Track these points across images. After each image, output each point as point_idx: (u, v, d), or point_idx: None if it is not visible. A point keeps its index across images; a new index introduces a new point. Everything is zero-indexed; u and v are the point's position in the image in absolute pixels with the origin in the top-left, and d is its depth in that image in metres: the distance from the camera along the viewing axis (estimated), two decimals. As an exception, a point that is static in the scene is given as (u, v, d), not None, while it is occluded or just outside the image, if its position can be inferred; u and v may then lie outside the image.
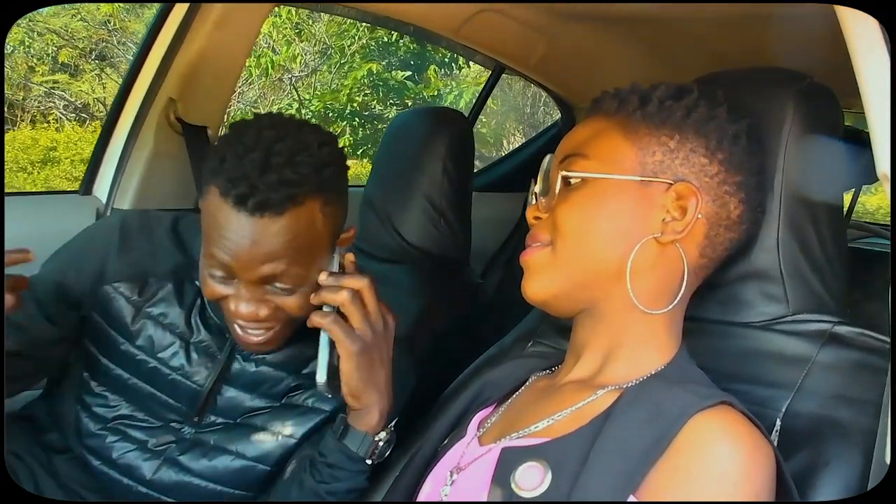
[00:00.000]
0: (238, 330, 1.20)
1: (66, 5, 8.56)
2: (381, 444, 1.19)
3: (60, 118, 8.69)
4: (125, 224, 1.37)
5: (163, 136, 1.94)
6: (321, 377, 1.13)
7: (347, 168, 1.23)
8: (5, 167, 7.51)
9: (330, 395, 1.17)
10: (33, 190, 7.30)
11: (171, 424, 1.33)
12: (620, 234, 0.97)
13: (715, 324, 1.11)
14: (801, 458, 0.95)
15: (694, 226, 0.97)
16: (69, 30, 8.70)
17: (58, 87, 8.75)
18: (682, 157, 0.97)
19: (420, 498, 1.05)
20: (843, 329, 1.04)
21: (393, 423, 1.22)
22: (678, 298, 0.99)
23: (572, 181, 1.01)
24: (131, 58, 1.90)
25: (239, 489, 1.34)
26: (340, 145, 1.22)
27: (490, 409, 1.13)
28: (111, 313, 1.33)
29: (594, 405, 0.95)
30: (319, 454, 1.22)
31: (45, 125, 8.62)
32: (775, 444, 0.95)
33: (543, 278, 1.01)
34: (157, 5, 1.91)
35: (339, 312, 1.15)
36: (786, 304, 1.07)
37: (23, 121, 8.71)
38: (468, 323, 1.92)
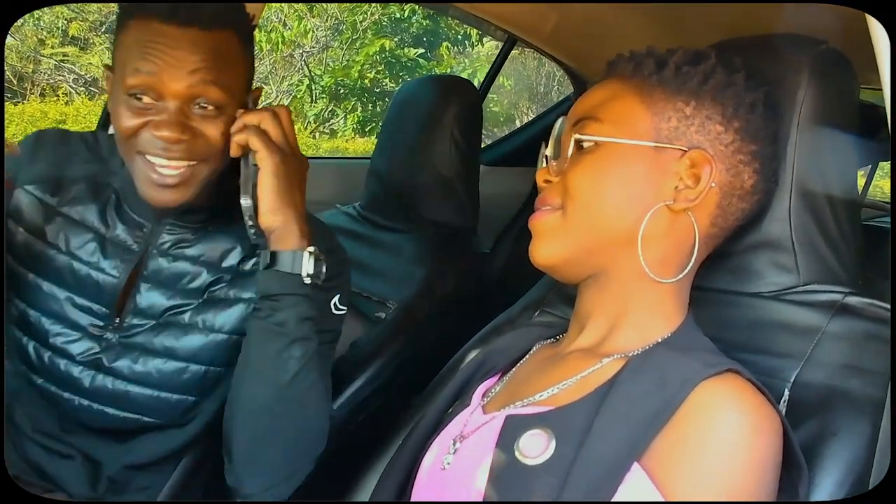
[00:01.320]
0: (151, 174, 1.21)
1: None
2: (310, 259, 1.18)
3: (70, 91, 8.69)
4: (40, 135, 1.44)
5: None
6: (245, 199, 1.18)
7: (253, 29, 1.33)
8: (18, 139, 7.54)
9: (250, 217, 1.19)
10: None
11: (91, 332, 1.33)
12: (632, 201, 0.96)
13: (724, 293, 1.10)
14: (810, 427, 0.94)
15: (707, 194, 0.95)
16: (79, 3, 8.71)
17: (67, 60, 8.76)
18: (698, 124, 0.96)
19: (423, 466, 1.05)
20: (853, 300, 1.02)
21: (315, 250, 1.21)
22: (688, 268, 0.98)
23: (585, 145, 0.99)
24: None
25: (178, 393, 1.33)
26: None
27: (494, 378, 1.12)
28: (24, 216, 1.35)
29: (599, 373, 0.95)
30: (257, 297, 1.23)
31: (55, 98, 8.63)
32: (783, 413, 0.94)
33: (552, 242, 1.00)
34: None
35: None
36: (797, 275, 1.06)
37: (32, 93, 8.73)
38: (476, 294, 1.92)
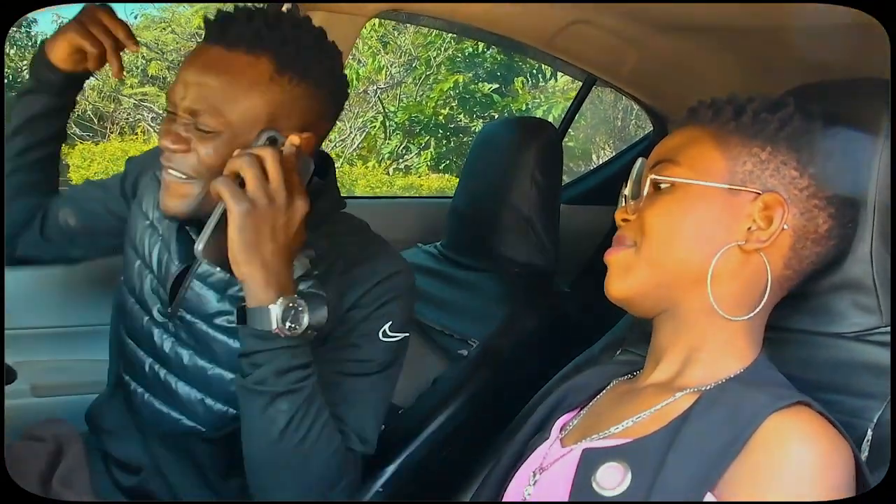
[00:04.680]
0: (164, 176, 1.25)
1: (155, 19, 8.82)
2: (279, 312, 1.11)
3: (148, 130, 8.89)
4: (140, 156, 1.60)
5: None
6: (198, 244, 1.12)
7: (333, 66, 1.30)
8: (99, 177, 7.78)
9: (206, 262, 1.16)
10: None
11: (156, 318, 1.38)
12: (704, 239, 0.99)
13: (806, 334, 1.11)
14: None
15: (779, 236, 0.98)
16: (159, 43, 8.92)
17: (146, 100, 8.97)
18: (773, 168, 0.99)
19: (505, 498, 1.08)
20: None
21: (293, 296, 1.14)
22: (760, 307, 1.00)
23: (661, 185, 1.03)
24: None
25: (219, 401, 1.33)
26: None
27: (573, 413, 1.15)
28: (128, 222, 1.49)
29: (673, 407, 0.98)
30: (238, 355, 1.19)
31: (133, 137, 8.84)
32: (866, 453, 0.95)
33: (626, 276, 1.04)
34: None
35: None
36: (879, 315, 1.06)
37: (112, 132, 8.98)
38: (556, 333, 1.94)
